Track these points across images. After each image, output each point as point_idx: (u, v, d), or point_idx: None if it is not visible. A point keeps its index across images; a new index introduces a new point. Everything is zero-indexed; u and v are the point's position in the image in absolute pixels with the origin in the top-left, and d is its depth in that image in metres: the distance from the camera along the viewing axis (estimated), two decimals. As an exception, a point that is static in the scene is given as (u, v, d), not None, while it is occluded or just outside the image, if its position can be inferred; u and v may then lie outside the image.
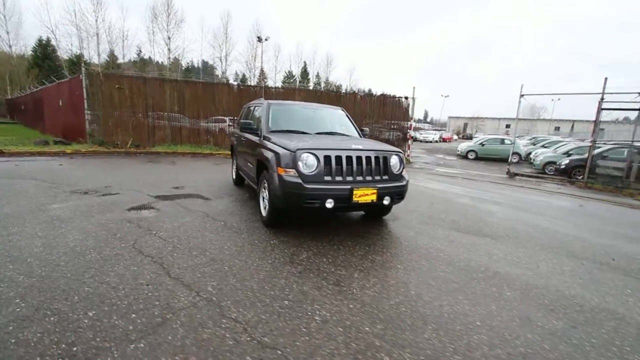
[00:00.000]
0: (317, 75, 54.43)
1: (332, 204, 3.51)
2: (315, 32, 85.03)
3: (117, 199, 5.04)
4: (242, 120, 4.82)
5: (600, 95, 10.01)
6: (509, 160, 13.08)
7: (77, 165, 8.16)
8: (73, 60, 34.38)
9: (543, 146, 18.76)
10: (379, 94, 14.15)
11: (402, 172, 4.06)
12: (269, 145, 4.03)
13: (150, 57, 45.38)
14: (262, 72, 48.26)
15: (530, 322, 2.34)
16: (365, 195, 3.60)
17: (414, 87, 13.56)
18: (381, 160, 3.84)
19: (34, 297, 2.29)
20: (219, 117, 13.47)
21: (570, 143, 16.72)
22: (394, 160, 3.97)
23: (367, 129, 5.73)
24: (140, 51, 45.53)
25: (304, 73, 53.71)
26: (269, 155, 3.82)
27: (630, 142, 10.29)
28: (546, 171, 14.01)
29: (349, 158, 3.66)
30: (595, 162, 10.64)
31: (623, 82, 11.12)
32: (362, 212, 4.93)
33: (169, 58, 39.96)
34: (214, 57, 47.13)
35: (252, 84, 41.08)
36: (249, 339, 1.98)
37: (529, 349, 2.05)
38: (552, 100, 52.42)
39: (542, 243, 4.11)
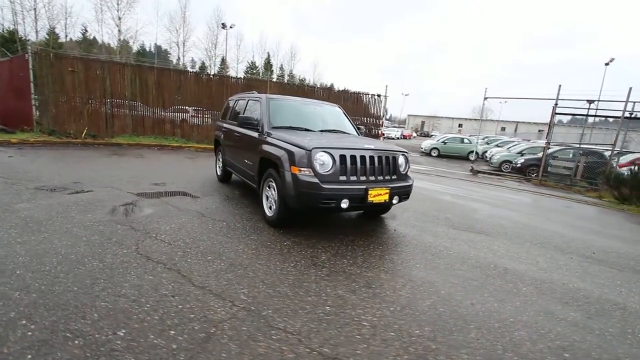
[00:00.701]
0: (281, 68, 53.53)
1: (347, 204, 3.47)
2: (279, 23, 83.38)
3: (93, 197, 4.54)
4: (241, 115, 4.56)
5: (554, 101, 11.03)
6: (473, 159, 13.96)
7: (31, 157, 7.20)
8: (5, 37, 30.11)
9: (497, 145, 20.30)
10: (352, 90, 14.28)
11: (407, 171, 4.13)
12: (276, 142, 3.87)
13: (96, 38, 41.33)
14: (223, 61, 46.32)
15: (553, 316, 2.52)
16: (379, 195, 3.61)
17: (386, 86, 13.91)
18: (390, 160, 3.87)
19: (44, 317, 1.98)
20: (181, 107, 12.65)
21: (522, 143, 18.27)
22: (401, 160, 4.02)
23: (362, 127, 5.74)
24: (86, 31, 41.22)
25: (268, 64, 52.47)
26: (279, 153, 3.66)
27: (578, 145, 11.50)
28: (502, 169, 15.19)
29: (362, 157, 3.63)
30: (548, 162, 11.75)
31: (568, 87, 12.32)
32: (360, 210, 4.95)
33: (120, 40, 36.64)
34: (170, 42, 44.21)
35: (213, 72, 39.20)
36: (307, 350, 1.88)
37: (564, 341, 2.20)
38: (500, 102, 56.74)
39: (530, 239, 4.44)
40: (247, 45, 76.87)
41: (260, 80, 14.93)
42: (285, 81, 38.60)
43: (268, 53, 52.60)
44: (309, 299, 2.43)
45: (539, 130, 45.85)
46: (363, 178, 3.63)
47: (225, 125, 5.87)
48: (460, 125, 60.38)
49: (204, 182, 6.11)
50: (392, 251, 3.52)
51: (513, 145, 17.75)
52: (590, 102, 10.86)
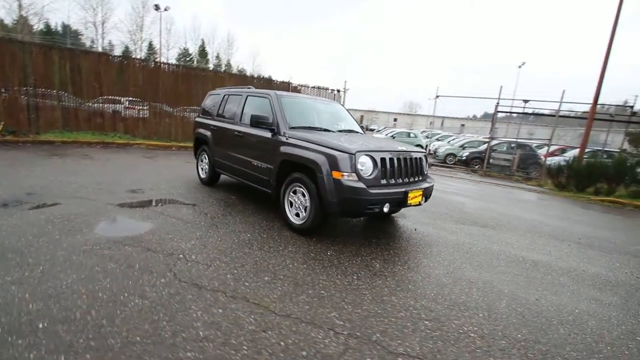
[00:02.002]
0: (218, 57, 50.45)
1: (389, 207, 3.39)
2: (212, 9, 77.95)
3: (66, 212, 3.72)
4: (254, 114, 4.10)
5: (496, 100, 12.33)
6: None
7: (-61, 161, 5.61)
8: None
9: (437, 139, 22.05)
10: (311, 85, 14.08)
11: (427, 171, 4.20)
12: (304, 144, 3.59)
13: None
14: (151, 46, 41.97)
15: (602, 303, 2.79)
16: (415, 197, 3.60)
17: (345, 81, 14.07)
18: (418, 161, 3.88)
19: (127, 384, 1.53)
20: (113, 97, 11.03)
21: (461, 137, 20.12)
22: (424, 161, 4.07)
23: (363, 125, 5.67)
24: (-32, 1, 33.53)
25: (202, 52, 49.02)
26: (315, 156, 3.39)
27: (515, 139, 13.06)
28: (447, 161, 16.57)
29: (398, 160, 3.57)
30: (490, 155, 13.14)
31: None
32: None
33: (21, 16, 30.51)
34: (86, 22, 38.46)
35: (139, 57, 35.06)
36: (447, 375, 1.78)
37: (627, 326, 2.45)
38: (429, 99, 61.71)
39: (526, 229, 4.89)
40: (178, 30, 70.75)
41: (218, 72, 13.81)
42: (222, 70, 36.52)
43: (202, 40, 49.21)
44: (401, 314, 2.31)
45: (462, 125, 51.24)
46: (400, 180, 3.58)
47: (214, 123, 5.28)
48: (395, 120, 64.19)
49: (187, 186, 5.45)
50: (431, 253, 3.55)
51: (454, 139, 19.45)
52: (525, 101, 12.42)
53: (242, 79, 13.11)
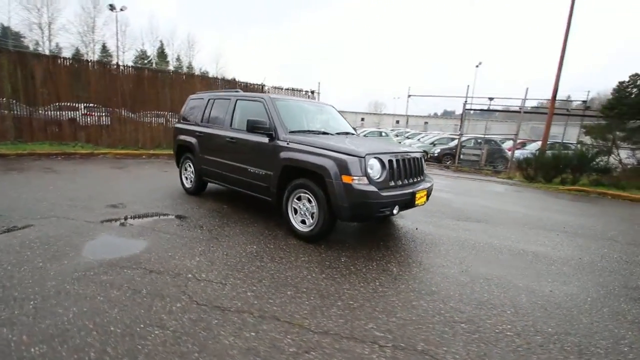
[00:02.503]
0: (178, 59, 48.41)
1: (398, 209, 3.37)
2: (172, 9, 74.39)
3: (43, 234, 3.33)
4: (250, 119, 3.88)
5: (464, 98, 12.89)
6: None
7: None
8: None
9: (407, 137, 22.68)
10: (285, 87, 13.89)
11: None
12: (308, 149, 3.47)
13: None
14: (104, 48, 39.41)
15: (608, 289, 2.94)
16: (421, 197, 3.61)
17: (319, 82, 13.97)
18: (418, 161, 3.90)
19: None
20: (69, 103, 10.10)
21: (431, 135, 20.84)
22: (423, 160, 4.10)
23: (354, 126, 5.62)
24: None
25: (162, 54, 46.80)
26: (323, 161, 3.29)
27: (483, 135, 13.72)
28: (419, 158, 17.07)
29: (403, 161, 3.56)
30: (461, 151, 13.71)
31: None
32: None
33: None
34: (30, 24, 35.29)
35: (97, 60, 32.69)
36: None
37: (638, 308, 2.59)
38: (394, 98, 63.53)
39: (516, 222, 5.10)
40: (134, 31, 66.79)
41: (189, 74, 13.12)
42: (192, 73, 35.14)
43: (161, 41, 46.96)
44: (436, 319, 2.27)
45: (425, 123, 53.27)
46: (405, 182, 3.58)
47: (199, 129, 4.98)
48: (362, 119, 65.37)
49: (171, 197, 5.11)
50: (440, 252, 3.57)
51: (424, 137, 20.10)
52: (490, 99, 13.10)
53: (215, 82, 12.62)
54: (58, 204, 4.41)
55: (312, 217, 3.49)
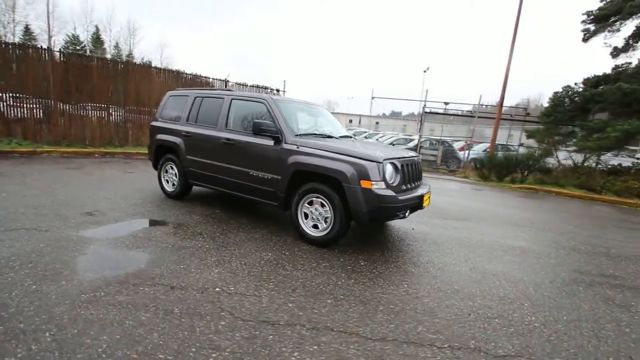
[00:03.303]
0: (117, 46, 44.22)
1: (408, 212, 3.50)
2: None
3: (19, 251, 2.88)
4: (257, 121, 3.68)
5: (423, 102, 13.68)
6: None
7: None
8: None
9: (366, 137, 23.39)
10: (250, 84, 13.46)
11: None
12: (322, 153, 3.43)
13: None
14: (27, 30, 34.55)
15: (590, 274, 3.36)
16: (427, 200, 3.78)
17: (284, 81, 13.78)
18: (418, 165, 4.08)
19: None
20: None
21: (389, 135, 21.70)
22: (420, 164, 4.29)
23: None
24: None
25: (97, 40, 42.37)
26: (341, 166, 3.27)
27: (439, 137, 14.68)
28: (379, 157, 17.73)
29: (409, 165, 3.69)
30: (420, 151, 14.54)
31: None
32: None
33: None
34: None
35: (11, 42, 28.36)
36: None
37: (628, 286, 3.02)
38: (347, 98, 64.93)
39: (491, 219, 5.57)
40: (64, 13, 59.30)
41: (144, 65, 11.85)
42: (155, 66, 32.30)
43: (96, 26, 42.50)
44: (472, 317, 2.41)
45: (376, 123, 55.46)
46: (411, 185, 3.72)
47: (186, 128, 4.64)
48: (315, 117, 65.82)
49: (152, 202, 4.70)
50: (444, 251, 3.77)
51: (382, 137, 20.89)
52: (446, 103, 14.08)
53: (180, 76, 11.74)
54: (21, 213, 3.81)
55: (326, 222, 3.47)
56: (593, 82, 10.43)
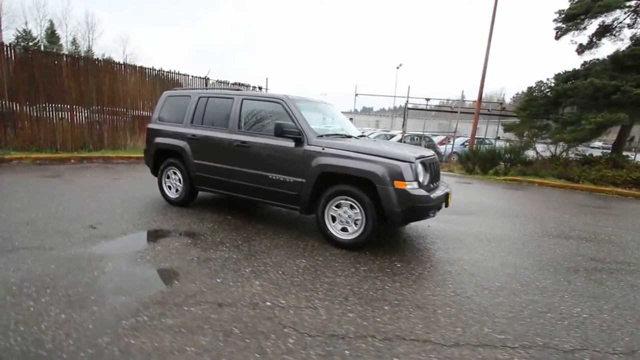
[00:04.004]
0: (74, 42, 41.20)
1: (436, 211, 3.50)
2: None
3: (30, 275, 2.57)
4: (279, 122, 3.50)
5: (406, 98, 13.92)
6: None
7: None
8: None
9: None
10: (231, 82, 13.00)
11: None
12: (354, 155, 3.32)
13: None
14: (-31, 25, 31.28)
15: (610, 253, 3.54)
16: (450, 197, 3.81)
17: (266, 78, 13.50)
18: (438, 165, 4.09)
19: None
20: None
21: (371, 131, 21.90)
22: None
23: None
24: None
25: (52, 35, 39.23)
26: (373, 167, 3.20)
27: (422, 132, 15.02)
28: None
29: (431, 165, 3.70)
30: (403, 146, 14.82)
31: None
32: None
33: None
34: None
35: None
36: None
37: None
38: (320, 94, 65.01)
39: (495, 212, 5.74)
40: (14, 6, 53.82)
41: (108, 61, 10.91)
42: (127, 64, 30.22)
43: (51, 21, 39.34)
44: (526, 312, 2.44)
45: (350, 119, 56.04)
46: (435, 184, 3.73)
47: (192, 131, 4.36)
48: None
49: (155, 211, 4.40)
50: (468, 247, 3.81)
51: (368, 133, 21.05)
52: (427, 99, 14.41)
53: (160, 75, 11.07)
54: (14, 230, 3.42)
55: (356, 224, 3.39)
56: (564, 78, 11.08)
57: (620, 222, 5.54)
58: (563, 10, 10.50)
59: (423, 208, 3.22)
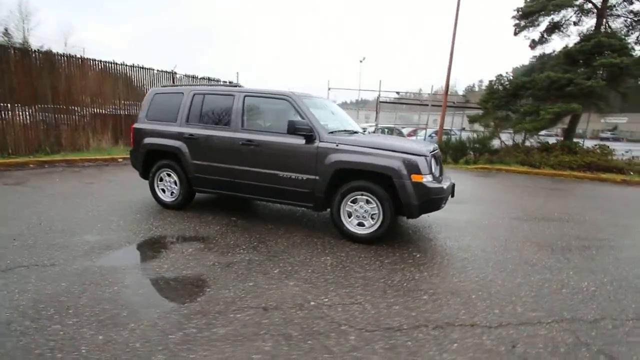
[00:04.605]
0: (7, 33, 36.66)
1: (445, 202, 3.67)
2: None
3: (41, 294, 2.34)
4: (292, 119, 3.40)
5: (378, 92, 14.22)
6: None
7: None
8: None
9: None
10: (200, 76, 12.41)
11: None
12: (370, 150, 3.37)
13: None
14: None
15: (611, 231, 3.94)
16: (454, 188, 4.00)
17: (237, 73, 13.08)
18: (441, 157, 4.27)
19: None
20: None
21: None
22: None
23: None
24: None
25: (-23, 26, 34.64)
26: (390, 162, 3.26)
27: (393, 125, 15.45)
28: (334, 147, 18.06)
29: (439, 157, 3.85)
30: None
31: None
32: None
33: None
34: None
35: None
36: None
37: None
38: (287, 89, 64.30)
39: (482, 200, 6.11)
40: None
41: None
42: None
43: (-26, 8, 34.68)
44: (577, 297, 2.67)
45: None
46: (442, 176, 3.90)
47: (188, 130, 4.13)
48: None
49: (152, 216, 4.15)
50: (473, 235, 4.04)
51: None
52: (398, 92, 14.84)
53: (114, 67, 10.21)
54: (0, 247, 3.05)
55: (373, 218, 3.46)
56: (521, 72, 11.98)
57: (586, 203, 6.18)
58: (521, 8, 11.30)
59: (438, 199, 3.36)
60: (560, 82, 9.84)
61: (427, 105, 14.99)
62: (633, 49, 9.47)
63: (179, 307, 2.26)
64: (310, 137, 3.57)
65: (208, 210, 4.51)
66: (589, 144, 11.29)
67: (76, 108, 9.64)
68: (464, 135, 12.80)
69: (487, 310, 2.35)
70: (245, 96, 3.97)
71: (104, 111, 10.18)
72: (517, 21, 11.70)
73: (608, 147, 10.40)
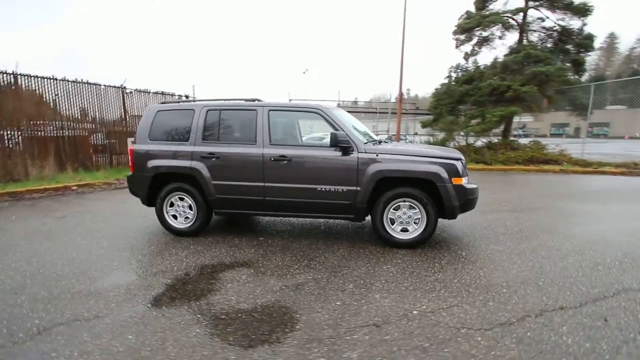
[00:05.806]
0: None
1: (475, 202, 3.95)
2: None
3: (109, 351, 2.00)
4: (334, 132, 3.33)
5: (337, 102, 14.62)
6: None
7: None
8: None
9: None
10: (152, 91, 11.46)
11: None
12: (412, 158, 3.51)
13: None
14: None
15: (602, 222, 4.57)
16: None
17: (193, 86, 12.55)
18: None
19: None
20: None
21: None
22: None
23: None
24: None
25: None
26: (431, 168, 3.42)
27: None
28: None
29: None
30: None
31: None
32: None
33: None
34: None
35: None
36: None
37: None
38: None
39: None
40: None
41: None
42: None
43: None
44: (614, 289, 3.04)
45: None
46: (465, 178, 4.20)
47: (207, 149, 3.82)
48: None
49: (172, 246, 3.76)
50: (490, 237, 4.42)
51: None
52: (355, 102, 15.41)
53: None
54: (11, 305, 2.49)
55: (416, 223, 3.58)
56: (463, 80, 13.38)
57: (544, 192, 7.12)
58: (460, 25, 12.70)
59: (474, 199, 3.62)
60: (500, 88, 11.24)
61: (387, 112, 15.84)
62: (553, 59, 11.25)
63: (284, 339, 2.09)
64: (348, 148, 3.59)
65: (220, 234, 4.19)
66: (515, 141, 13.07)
67: (6, 132, 8.23)
68: (423, 139, 13.84)
69: (560, 293, 2.61)
70: (269, 110, 3.84)
71: (44, 133, 8.84)
72: (457, 36, 13.11)
73: (540, 142, 12.12)
